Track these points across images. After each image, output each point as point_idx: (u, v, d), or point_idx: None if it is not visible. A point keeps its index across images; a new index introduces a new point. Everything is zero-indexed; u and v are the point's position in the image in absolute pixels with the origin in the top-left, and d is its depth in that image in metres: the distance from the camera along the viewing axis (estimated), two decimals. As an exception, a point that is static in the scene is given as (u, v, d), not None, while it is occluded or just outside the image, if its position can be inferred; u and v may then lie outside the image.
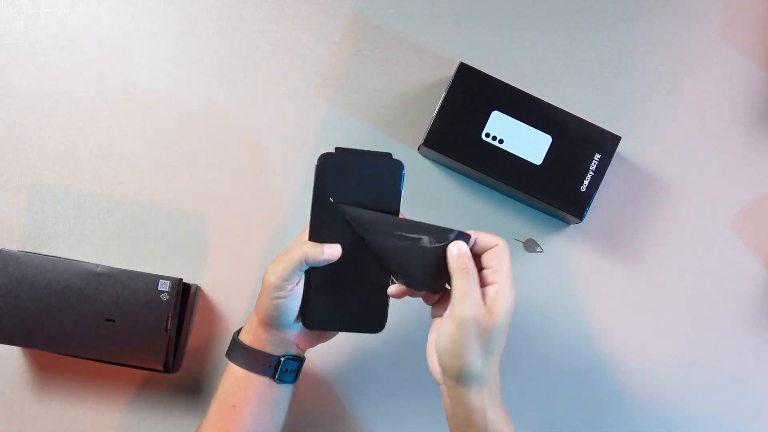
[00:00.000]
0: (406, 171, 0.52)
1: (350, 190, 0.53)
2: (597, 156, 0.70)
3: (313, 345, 0.60)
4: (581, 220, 0.71)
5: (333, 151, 0.54)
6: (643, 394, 0.73)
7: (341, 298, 0.56)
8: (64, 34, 0.75)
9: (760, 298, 0.75)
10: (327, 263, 0.54)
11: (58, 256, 0.71)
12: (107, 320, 0.67)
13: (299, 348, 0.60)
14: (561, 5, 0.76)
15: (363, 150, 0.53)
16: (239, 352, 0.58)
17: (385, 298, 0.55)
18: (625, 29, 0.76)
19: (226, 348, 0.61)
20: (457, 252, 0.52)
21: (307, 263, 0.54)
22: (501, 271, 0.52)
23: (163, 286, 0.68)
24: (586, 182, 0.70)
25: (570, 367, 0.73)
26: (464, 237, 0.53)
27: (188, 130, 0.75)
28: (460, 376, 0.52)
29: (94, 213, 0.74)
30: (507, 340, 0.52)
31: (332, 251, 0.54)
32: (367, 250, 0.54)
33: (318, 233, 0.55)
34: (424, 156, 0.76)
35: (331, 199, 0.54)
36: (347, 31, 0.76)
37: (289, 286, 0.54)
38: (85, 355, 0.68)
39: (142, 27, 0.75)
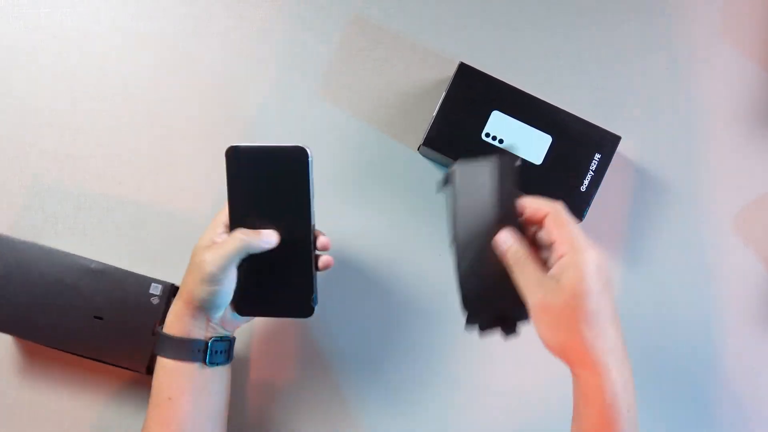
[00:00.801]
0: (312, 158, 0.53)
1: (261, 179, 0.55)
2: (597, 156, 0.70)
3: (238, 327, 0.61)
4: (581, 219, 0.71)
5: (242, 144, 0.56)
6: (640, 398, 0.70)
7: (270, 285, 0.57)
8: (64, 34, 0.75)
9: (761, 298, 0.75)
10: (265, 250, 0.55)
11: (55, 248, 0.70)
12: (95, 317, 0.67)
13: (225, 329, 0.60)
14: (561, 5, 0.76)
15: (266, 145, 0.55)
16: (167, 345, 0.58)
17: (310, 284, 0.57)
18: (625, 29, 0.77)
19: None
20: (503, 246, 0.51)
21: (247, 251, 0.55)
22: (563, 240, 0.48)
23: (155, 289, 0.68)
24: (586, 182, 0.70)
25: (562, 373, 0.70)
26: (511, 218, 0.51)
27: (188, 131, 0.75)
28: (571, 362, 0.49)
29: (94, 213, 0.74)
30: (614, 306, 0.48)
31: (270, 237, 0.55)
32: (289, 236, 0.55)
33: (240, 222, 0.56)
34: (424, 156, 0.76)
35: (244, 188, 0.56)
36: (347, 30, 0.76)
37: (228, 274, 0.55)
38: (70, 350, 0.67)
39: (142, 27, 0.76)
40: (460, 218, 0.53)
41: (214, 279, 0.55)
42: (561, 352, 0.48)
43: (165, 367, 0.57)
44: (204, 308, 0.57)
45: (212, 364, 0.58)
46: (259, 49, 0.76)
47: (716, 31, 0.77)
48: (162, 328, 0.59)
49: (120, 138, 0.75)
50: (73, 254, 0.68)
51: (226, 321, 0.60)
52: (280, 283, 0.57)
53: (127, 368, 0.68)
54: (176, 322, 0.57)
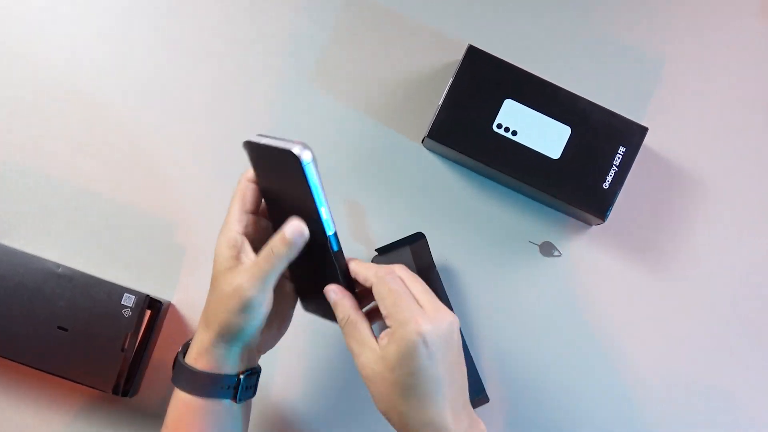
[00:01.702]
0: (310, 162, 0.51)
1: (272, 178, 0.54)
2: (621, 149, 0.69)
3: (269, 348, 0.60)
4: (604, 220, 0.70)
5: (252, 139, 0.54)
6: (670, 419, 0.72)
7: (312, 287, 0.56)
8: (32, 17, 0.74)
9: (806, 308, 0.73)
10: (300, 248, 0.54)
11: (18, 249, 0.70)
12: (59, 328, 0.66)
13: (257, 354, 0.59)
14: (581, -18, 0.75)
15: (267, 144, 0.53)
16: (193, 380, 0.56)
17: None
18: (652, 9, 0.76)
19: (173, 373, 0.59)
20: (332, 300, 0.54)
21: (286, 263, 0.53)
22: (388, 313, 0.51)
23: (128, 300, 0.67)
24: (609, 178, 0.69)
25: (587, 387, 0.73)
26: (341, 273, 0.54)
27: (167, 123, 0.74)
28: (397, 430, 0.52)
29: (63, 212, 0.74)
30: (451, 373, 0.51)
31: (296, 232, 0.53)
32: (316, 241, 0.54)
33: (274, 220, 0.56)
34: (429, 149, 0.75)
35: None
36: (343, 12, 0.75)
37: (268, 295, 0.53)
38: (28, 363, 0.66)
39: (115, 5, 0.75)
40: None
41: (255, 305, 0.53)
42: (387, 419, 0.52)
43: (187, 403, 0.56)
44: (242, 339, 0.55)
45: (241, 400, 0.57)
46: (246, 32, 0.75)
47: (754, 11, 0.76)
48: (182, 357, 0.57)
49: (94, 130, 0.74)
50: (38, 256, 0.68)
51: (258, 347, 0.58)
52: (318, 287, 0.56)
53: (92, 387, 0.67)
54: (205, 356, 0.55)
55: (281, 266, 0.53)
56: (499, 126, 0.69)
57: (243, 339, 0.55)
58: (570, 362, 0.73)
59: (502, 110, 0.69)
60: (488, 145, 0.69)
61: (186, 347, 0.58)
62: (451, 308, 0.68)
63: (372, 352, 0.51)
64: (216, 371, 0.55)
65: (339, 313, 0.54)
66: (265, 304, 0.53)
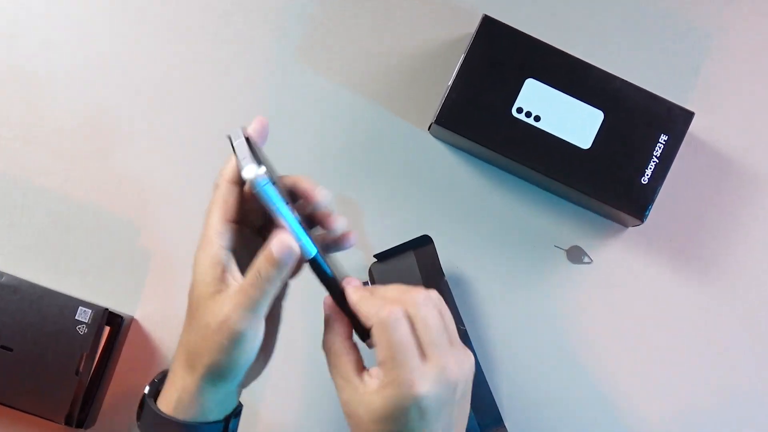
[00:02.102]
0: (264, 184, 0.49)
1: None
2: (663, 138, 0.69)
3: (253, 379, 0.57)
4: (642, 221, 0.70)
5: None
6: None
7: None
8: None
9: None
10: (293, 267, 0.52)
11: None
12: (2, 347, 0.66)
13: (239, 391, 0.57)
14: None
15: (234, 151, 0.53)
16: (166, 429, 0.53)
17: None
18: None
19: (138, 416, 0.56)
20: (325, 318, 0.53)
21: (278, 287, 0.51)
22: (382, 363, 0.49)
23: (83, 315, 0.67)
24: (648, 172, 0.69)
25: (624, 416, 0.74)
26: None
27: (129, 107, 0.75)
28: None
29: (5, 211, 0.74)
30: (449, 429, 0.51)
31: (284, 249, 0.50)
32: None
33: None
34: (437, 138, 0.74)
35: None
36: None
37: (261, 325, 0.51)
38: None
39: None
40: None
41: (247, 339, 0.51)
42: None
43: None
44: (235, 378, 0.53)
45: None
46: (221, 0, 0.75)
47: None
48: (153, 400, 0.55)
49: (41, 114, 0.74)
50: (-26, 265, 0.69)
51: (246, 378, 0.56)
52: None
53: (41, 417, 0.67)
54: (189, 404, 0.53)
55: (272, 290, 0.51)
56: (520, 110, 0.69)
57: (236, 378, 0.52)
58: (603, 387, 0.74)
59: (523, 92, 0.69)
60: (506, 133, 0.69)
61: (155, 386, 0.55)
62: (461, 323, 0.69)
63: (355, 391, 0.50)
64: (201, 419, 0.53)
65: (325, 338, 0.53)
66: (258, 336, 0.51)
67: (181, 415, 0.53)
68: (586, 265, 0.74)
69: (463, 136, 0.69)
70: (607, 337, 0.74)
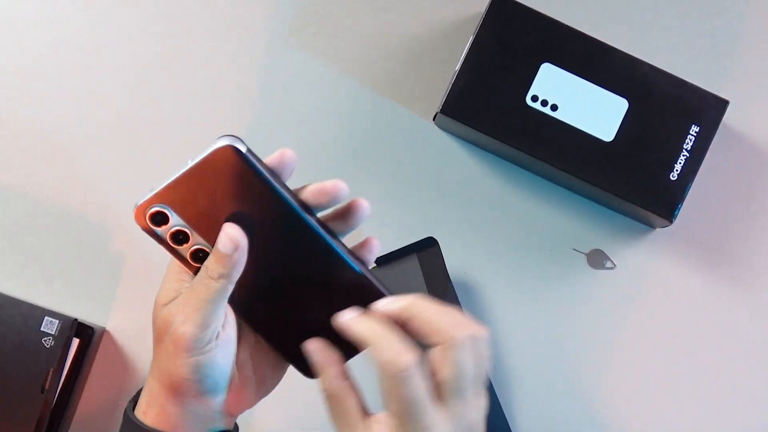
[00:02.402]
0: (245, 150, 0.48)
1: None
2: (694, 129, 0.67)
3: (248, 405, 0.55)
4: (671, 222, 0.68)
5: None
6: None
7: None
8: None
9: None
10: (241, 262, 0.50)
11: None
12: None
13: (229, 415, 0.54)
14: None
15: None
16: None
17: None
18: None
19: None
20: (313, 362, 0.51)
21: (230, 282, 0.49)
22: (389, 414, 0.47)
23: (50, 326, 0.66)
24: (678, 167, 0.67)
25: (656, 429, 0.73)
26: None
27: (100, 97, 0.74)
28: None
29: None
30: None
31: (232, 238, 0.48)
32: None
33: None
34: (443, 128, 0.73)
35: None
36: None
37: (216, 331, 0.50)
38: None
39: None
40: None
41: (197, 344, 0.49)
42: None
43: None
44: (191, 388, 0.51)
45: None
46: None
47: None
48: (131, 407, 0.54)
49: (3, 106, 0.73)
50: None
51: (233, 400, 0.54)
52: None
53: None
54: (153, 407, 0.52)
55: (223, 290, 0.49)
56: (535, 98, 0.68)
57: (201, 392, 0.50)
58: (627, 405, 0.73)
59: (539, 78, 0.68)
60: (520, 124, 0.68)
61: (137, 398, 0.54)
62: None
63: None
64: None
65: (322, 382, 0.50)
66: (218, 343, 0.49)
67: (150, 421, 0.52)
68: (609, 270, 0.74)
69: (472, 127, 0.68)
70: (631, 351, 0.73)
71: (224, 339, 0.50)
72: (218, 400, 0.52)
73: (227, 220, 0.51)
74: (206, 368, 0.50)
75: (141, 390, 0.55)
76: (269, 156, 0.51)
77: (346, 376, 0.51)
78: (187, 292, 0.50)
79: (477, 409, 0.48)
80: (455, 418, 0.47)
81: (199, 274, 0.50)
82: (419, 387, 0.47)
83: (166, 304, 0.51)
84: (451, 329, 0.48)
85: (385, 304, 0.51)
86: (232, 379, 0.53)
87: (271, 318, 0.54)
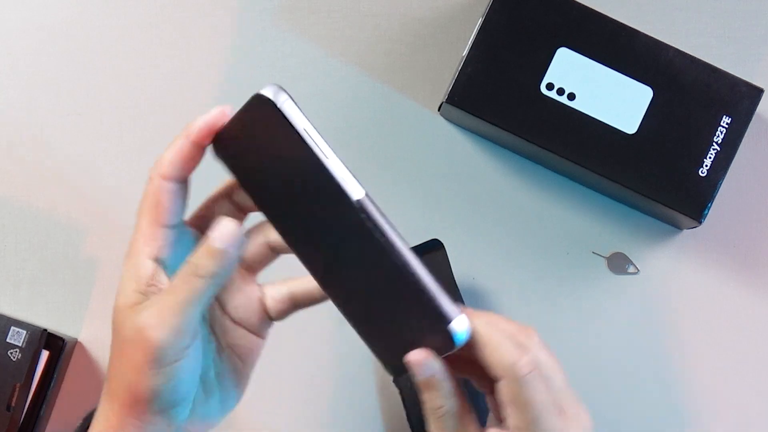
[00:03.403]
0: (285, 100, 0.48)
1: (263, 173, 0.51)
2: (725, 120, 0.67)
3: (213, 423, 0.53)
4: (700, 222, 0.67)
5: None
6: None
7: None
8: None
9: None
10: (235, 260, 0.48)
11: None
12: None
13: None
14: None
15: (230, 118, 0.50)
16: None
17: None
18: None
19: None
20: (418, 375, 0.48)
21: (218, 285, 0.48)
22: (518, 426, 0.47)
23: (16, 337, 0.66)
24: (707, 162, 0.67)
25: None
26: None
27: (72, 89, 0.73)
28: None
29: None
30: None
31: (231, 232, 0.47)
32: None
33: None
34: (449, 120, 0.73)
35: None
36: None
37: (191, 339, 0.48)
38: None
39: None
40: None
41: (169, 355, 0.47)
42: None
43: None
44: (160, 408, 0.49)
45: None
46: None
47: None
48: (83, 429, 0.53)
49: None
50: None
51: (197, 420, 0.52)
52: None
53: None
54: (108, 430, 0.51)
55: (208, 291, 0.48)
56: (550, 86, 0.67)
57: (165, 408, 0.48)
58: (651, 420, 0.72)
59: (554, 64, 0.67)
60: (533, 114, 0.67)
61: (87, 421, 0.52)
62: None
63: None
64: None
65: (432, 398, 0.48)
66: (189, 353, 0.47)
67: None
68: (631, 275, 0.72)
69: (481, 118, 0.67)
70: (655, 363, 0.72)
71: (197, 348, 0.49)
72: (182, 417, 0.50)
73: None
74: (176, 379, 0.48)
75: (91, 413, 0.54)
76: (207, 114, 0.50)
77: (459, 390, 0.50)
78: (165, 293, 0.48)
79: (587, 412, 0.49)
80: (579, 426, 0.48)
81: (181, 270, 0.48)
82: (544, 391, 0.47)
83: (133, 307, 0.49)
84: (510, 365, 0.47)
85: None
86: (196, 393, 0.51)
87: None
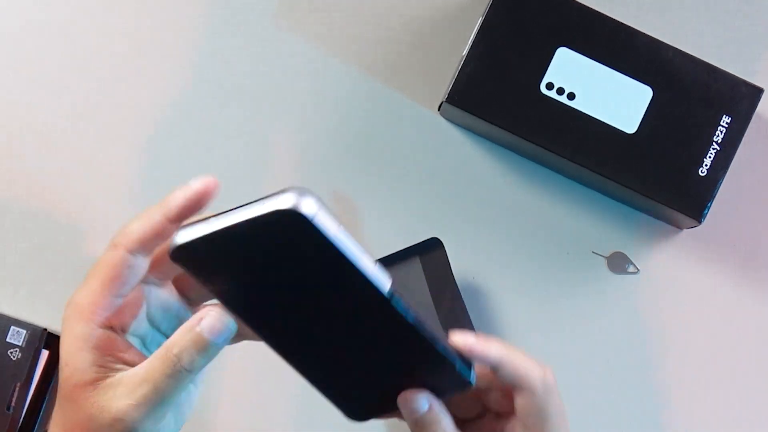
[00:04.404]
0: (316, 212, 0.42)
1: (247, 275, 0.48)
2: (725, 119, 0.67)
3: None
4: (700, 222, 0.68)
5: None
6: None
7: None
8: None
9: None
10: (221, 346, 0.45)
11: None
12: None
13: None
14: None
15: (215, 231, 0.44)
16: None
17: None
18: None
19: None
20: (414, 417, 0.47)
21: (203, 366, 0.45)
22: None
23: (16, 337, 0.66)
24: (707, 161, 0.67)
25: None
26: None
27: (70, 85, 0.73)
28: None
29: None
30: None
31: (223, 323, 0.44)
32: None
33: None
34: (448, 119, 0.73)
35: None
36: None
37: (170, 421, 0.46)
38: None
39: None
40: None
41: None
42: None
43: None
44: None
45: None
46: None
47: None
48: None
49: None
50: None
51: None
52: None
53: None
54: None
55: (191, 378, 0.45)
56: (550, 86, 0.68)
57: None
58: (650, 420, 0.72)
59: (554, 63, 0.68)
60: (533, 114, 0.68)
61: None
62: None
63: None
64: None
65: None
66: (164, 421, 0.46)
67: None
68: (631, 275, 0.73)
69: (481, 118, 0.68)
70: (655, 362, 0.73)
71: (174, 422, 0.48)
72: None
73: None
74: None
75: None
76: (184, 190, 0.45)
77: (455, 426, 0.50)
78: (142, 380, 0.45)
79: None
80: None
81: (161, 357, 0.45)
82: (560, 402, 0.49)
83: (95, 385, 0.46)
84: (541, 378, 0.48)
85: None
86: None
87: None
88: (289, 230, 0.42)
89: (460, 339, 0.47)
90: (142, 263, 0.45)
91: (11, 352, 0.65)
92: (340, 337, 0.48)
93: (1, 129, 0.73)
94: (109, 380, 0.45)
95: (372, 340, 0.47)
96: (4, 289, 0.71)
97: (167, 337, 0.47)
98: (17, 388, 0.64)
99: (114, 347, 0.45)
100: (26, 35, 0.74)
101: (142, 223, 0.44)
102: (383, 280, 0.44)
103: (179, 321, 0.48)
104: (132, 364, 0.45)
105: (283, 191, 0.41)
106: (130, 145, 0.72)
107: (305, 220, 0.40)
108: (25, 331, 0.66)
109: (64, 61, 0.74)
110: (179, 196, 0.43)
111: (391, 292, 0.45)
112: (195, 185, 0.44)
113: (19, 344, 0.66)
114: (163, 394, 0.44)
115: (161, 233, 0.44)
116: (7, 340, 0.66)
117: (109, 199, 0.73)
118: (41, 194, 0.72)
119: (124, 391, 0.45)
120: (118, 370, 0.45)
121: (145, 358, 0.46)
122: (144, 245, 0.44)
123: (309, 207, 0.41)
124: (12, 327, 0.66)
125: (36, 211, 0.72)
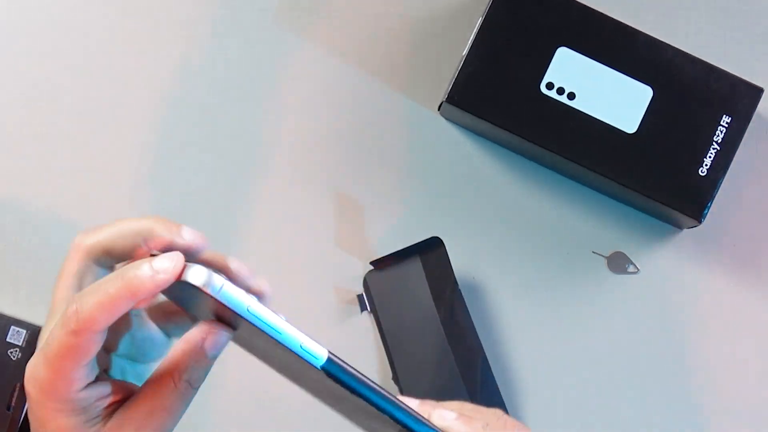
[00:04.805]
0: (219, 287, 0.41)
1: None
2: (725, 119, 0.67)
3: None
4: (700, 221, 0.68)
5: None
6: None
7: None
8: None
9: None
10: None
11: None
12: None
13: None
14: None
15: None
16: None
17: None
18: None
19: None
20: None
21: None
22: None
23: (15, 336, 0.66)
24: (707, 161, 0.67)
25: None
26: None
27: (67, 81, 0.72)
28: None
29: None
30: None
31: (217, 340, 0.43)
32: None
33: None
34: (449, 119, 0.73)
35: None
36: None
37: None
38: None
39: None
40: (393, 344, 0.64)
41: None
42: None
43: None
44: None
45: None
46: None
47: None
48: None
49: None
50: None
51: None
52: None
53: None
54: None
55: (192, 397, 0.46)
56: (550, 86, 0.68)
57: None
58: (651, 420, 0.72)
59: (554, 63, 0.68)
60: (533, 114, 0.68)
61: None
62: (480, 346, 0.69)
63: None
64: None
65: None
66: None
67: None
68: (631, 275, 0.73)
69: (481, 118, 0.68)
70: (655, 363, 0.72)
71: None
72: None
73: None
74: None
75: None
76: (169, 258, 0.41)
77: None
78: (146, 411, 0.44)
79: None
80: None
81: (164, 389, 0.45)
82: None
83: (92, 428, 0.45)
84: None
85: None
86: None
87: None
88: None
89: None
90: (106, 331, 0.43)
91: (11, 352, 0.65)
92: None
93: (1, 129, 0.73)
94: (110, 426, 0.44)
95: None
96: (4, 290, 0.71)
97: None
98: (17, 389, 0.64)
99: (97, 396, 0.44)
100: (26, 35, 0.74)
101: (104, 304, 0.41)
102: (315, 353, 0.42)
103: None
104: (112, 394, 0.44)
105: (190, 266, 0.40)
106: (130, 144, 0.72)
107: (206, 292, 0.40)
108: (25, 331, 0.66)
109: (64, 61, 0.74)
110: (147, 281, 0.41)
111: (325, 360, 0.42)
112: (164, 263, 0.42)
113: (19, 344, 0.66)
114: (168, 408, 0.44)
115: (124, 310, 0.41)
116: (7, 340, 0.66)
117: (109, 199, 0.73)
118: (41, 194, 0.72)
119: (133, 426, 0.44)
120: (109, 409, 0.45)
121: (113, 380, 0.45)
122: (108, 322, 0.42)
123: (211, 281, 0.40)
124: (12, 327, 0.66)
125: (36, 211, 0.72)
